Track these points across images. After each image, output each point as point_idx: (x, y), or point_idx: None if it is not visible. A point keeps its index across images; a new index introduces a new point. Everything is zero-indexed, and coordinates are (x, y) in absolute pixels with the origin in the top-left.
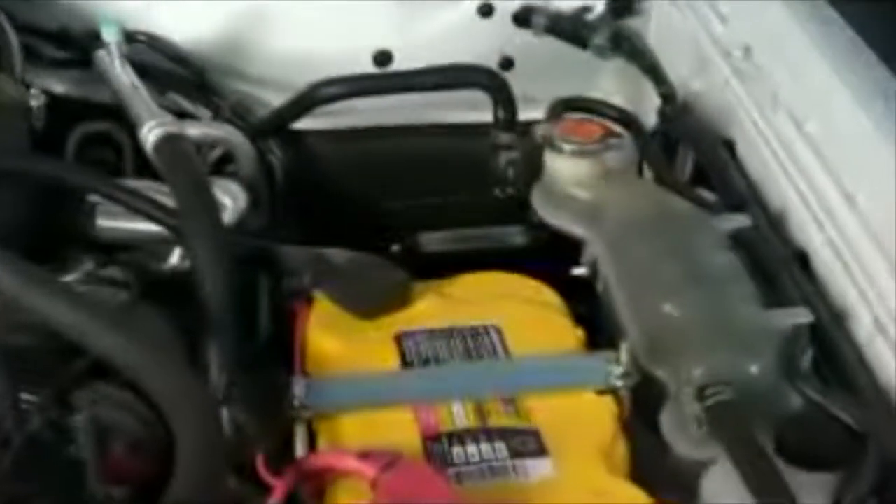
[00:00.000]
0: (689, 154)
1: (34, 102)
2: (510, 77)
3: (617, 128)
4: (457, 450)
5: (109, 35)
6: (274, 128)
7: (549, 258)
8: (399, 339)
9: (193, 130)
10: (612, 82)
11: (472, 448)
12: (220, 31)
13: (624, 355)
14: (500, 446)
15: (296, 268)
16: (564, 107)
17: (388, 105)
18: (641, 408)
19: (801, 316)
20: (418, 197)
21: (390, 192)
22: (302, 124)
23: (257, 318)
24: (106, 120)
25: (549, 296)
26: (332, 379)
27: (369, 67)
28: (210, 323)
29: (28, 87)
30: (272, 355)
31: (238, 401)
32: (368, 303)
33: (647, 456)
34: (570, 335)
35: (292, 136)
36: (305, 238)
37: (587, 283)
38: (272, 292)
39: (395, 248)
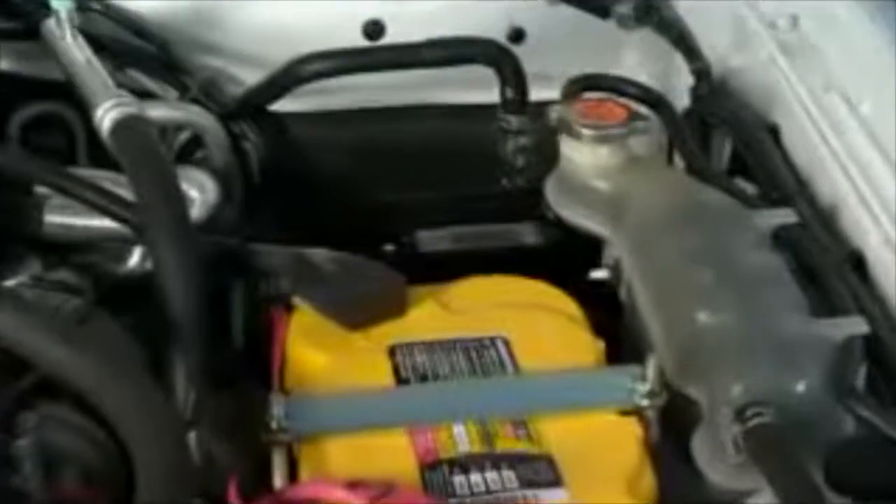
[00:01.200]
0: (726, 140)
1: None
2: (520, 51)
3: (643, 109)
4: (459, 479)
5: (59, 2)
6: (249, 109)
7: (565, 260)
8: (392, 352)
9: (156, 112)
10: (637, 57)
11: (476, 477)
12: None
13: (650, 371)
14: (509, 475)
15: (274, 270)
16: (583, 85)
17: (379, 84)
18: (671, 431)
19: (855, 326)
20: (415, 189)
21: (382, 184)
22: (281, 106)
23: (229, 328)
24: (55, 100)
25: (565, 303)
26: (316, 397)
27: (359, 40)
28: (175, 334)
29: None
30: (246, 370)
31: (207, 423)
32: (357, 311)
33: (677, 486)
34: (588, 348)
35: (270, 119)
36: (285, 236)
37: (608, 289)
38: (247, 298)
39: (389, 247)
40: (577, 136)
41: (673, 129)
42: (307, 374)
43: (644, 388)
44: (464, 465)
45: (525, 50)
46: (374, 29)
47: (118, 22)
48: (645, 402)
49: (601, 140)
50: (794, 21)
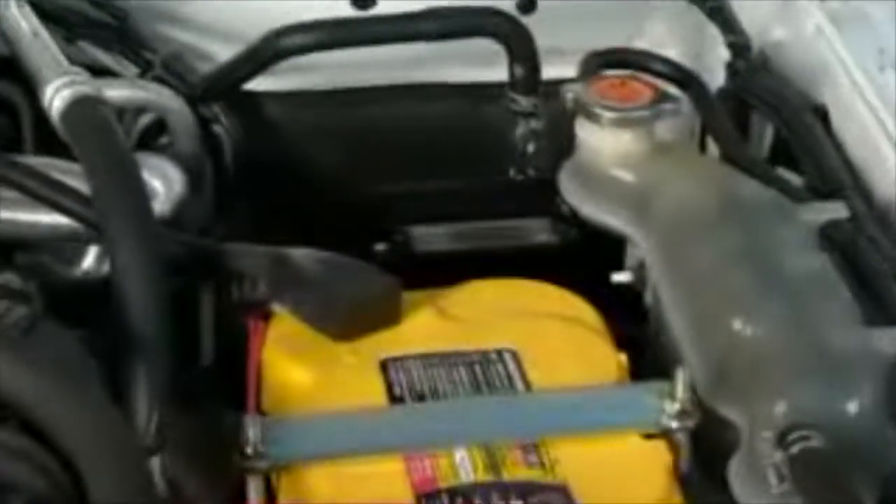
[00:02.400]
0: (768, 123)
1: None
2: (531, 23)
3: (671, 89)
4: None
5: None
6: (221, 89)
7: (582, 261)
8: (385, 367)
9: (114, 92)
10: (665, 29)
11: None
12: None
13: (680, 388)
14: None
15: (249, 273)
16: (603, 61)
17: (369, 60)
18: (704, 457)
19: None
20: (410, 180)
21: (373, 174)
22: (258, 84)
23: (198, 339)
24: None
25: (582, 310)
26: (297, 419)
27: (346, 11)
28: (136, 347)
29: None
30: (217, 388)
31: (172, 448)
32: (345, 319)
33: None
34: (609, 361)
35: (245, 99)
36: (262, 234)
37: (632, 294)
38: (218, 306)
39: (381, 246)
40: (596, 119)
41: (706, 112)
42: (287, 393)
43: (673, 407)
44: (466, 495)
45: (536, 21)
46: None
47: None
48: (674, 424)
49: (624, 124)
50: None
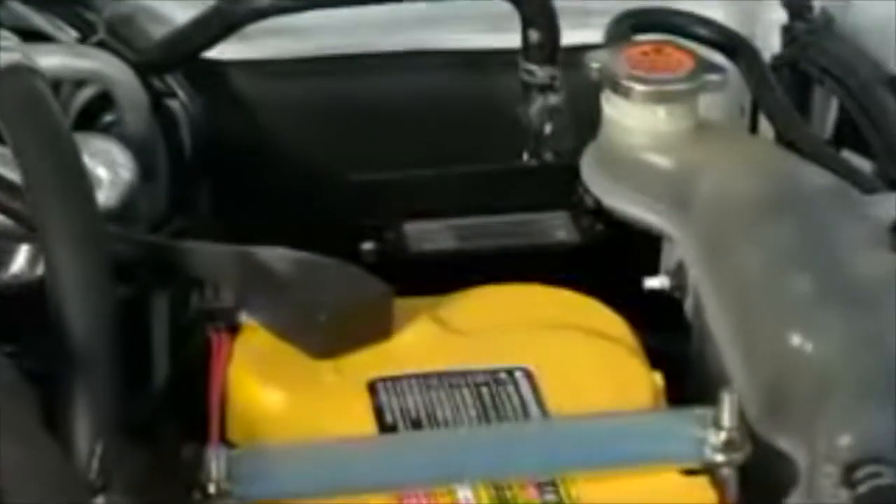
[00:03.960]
0: (832, 98)
1: None
2: None
3: (716, 57)
4: None
5: None
6: (177, 57)
7: (609, 263)
8: (374, 389)
9: (49, 60)
10: None
11: None
12: None
13: (727, 415)
14: None
15: (212, 277)
16: (634, 24)
17: (356, 23)
18: (756, 495)
19: None
20: (404, 166)
21: (360, 159)
22: (222, 52)
23: (150, 356)
24: None
25: (609, 321)
26: (269, 451)
27: None
28: (76, 366)
29: None
30: (174, 415)
31: (119, 487)
32: (326, 332)
33: None
34: (641, 383)
35: (207, 69)
36: (227, 230)
37: (669, 302)
38: (174, 316)
39: (369, 245)
40: (625, 93)
41: (758, 84)
42: (257, 420)
43: (718, 438)
44: None
45: None
46: None
47: None
48: (719, 458)
49: (659, 98)
50: None
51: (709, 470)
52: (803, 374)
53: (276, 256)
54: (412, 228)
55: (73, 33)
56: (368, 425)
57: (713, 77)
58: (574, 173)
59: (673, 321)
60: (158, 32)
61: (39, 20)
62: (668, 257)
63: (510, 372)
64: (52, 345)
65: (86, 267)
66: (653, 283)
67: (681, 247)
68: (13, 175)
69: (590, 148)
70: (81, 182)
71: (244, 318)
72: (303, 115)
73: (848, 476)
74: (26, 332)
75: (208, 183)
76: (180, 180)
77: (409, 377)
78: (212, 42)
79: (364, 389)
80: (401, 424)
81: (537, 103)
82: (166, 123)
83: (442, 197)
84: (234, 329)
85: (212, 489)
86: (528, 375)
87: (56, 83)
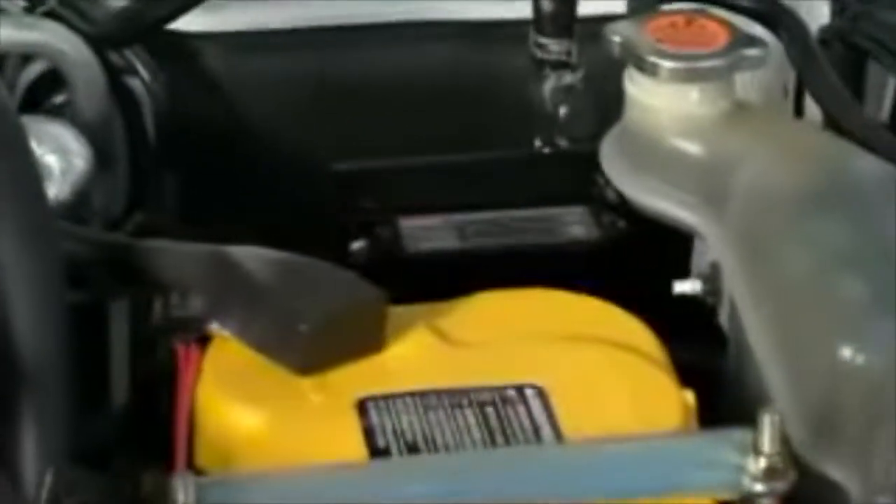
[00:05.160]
0: (888, 76)
1: None
2: None
3: (755, 28)
4: None
5: None
6: (137, 29)
7: (632, 264)
8: (364, 409)
9: None
10: None
11: None
12: None
13: (768, 438)
14: None
15: (178, 281)
16: None
17: None
18: None
19: None
20: (399, 153)
21: (347, 144)
22: (189, 23)
23: (108, 373)
24: None
25: (634, 331)
26: (243, 478)
27: None
28: (23, 383)
29: None
30: (134, 439)
31: None
32: (309, 344)
33: None
34: (670, 402)
35: (172, 43)
36: (196, 228)
37: (702, 309)
38: (135, 326)
39: (358, 245)
40: (651, 70)
41: (803, 60)
42: (230, 443)
43: (758, 465)
44: None
45: None
46: None
47: None
48: (759, 487)
49: (690, 77)
50: None
51: (747, 501)
52: (856, 391)
53: (252, 257)
54: (408, 225)
55: (20, 2)
56: (357, 450)
57: (752, 52)
58: (593, 162)
59: (706, 331)
60: (116, 1)
61: None
62: (701, 258)
63: (520, 389)
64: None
65: (34, 269)
66: (683, 287)
67: (715, 246)
68: None
69: (611, 133)
70: (28, 173)
71: (215, 328)
72: (281, 95)
73: None
74: None
75: (174, 173)
76: (142, 170)
77: (403, 395)
78: (178, 12)
79: (352, 409)
80: (394, 449)
81: (550, 82)
82: (125, 104)
83: (442, 189)
84: (203, 341)
85: None
86: (541, 394)
87: (0, 58)
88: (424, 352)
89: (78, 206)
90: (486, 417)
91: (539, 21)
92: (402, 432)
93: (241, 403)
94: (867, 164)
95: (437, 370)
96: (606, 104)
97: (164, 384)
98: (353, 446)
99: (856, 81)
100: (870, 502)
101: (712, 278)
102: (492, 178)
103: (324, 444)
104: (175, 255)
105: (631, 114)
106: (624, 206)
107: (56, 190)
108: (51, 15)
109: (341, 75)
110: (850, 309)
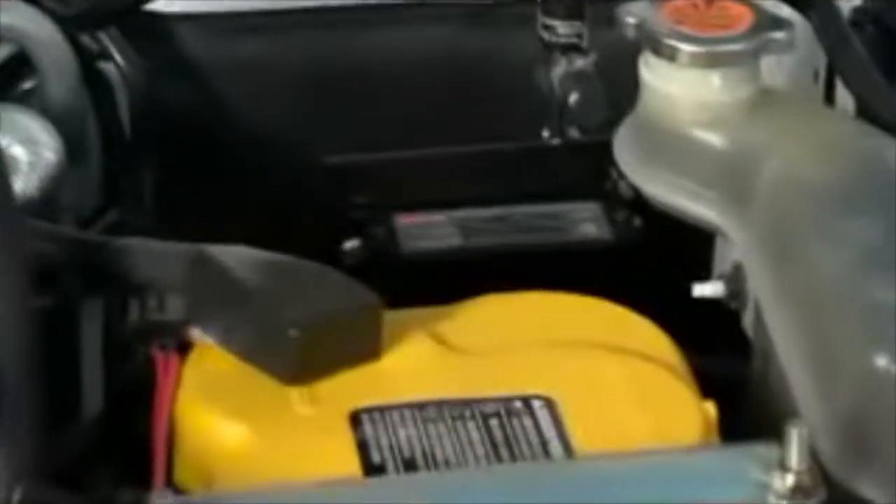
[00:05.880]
0: None
1: None
2: None
3: (782, 9)
4: None
5: None
6: (111, 10)
7: (649, 265)
8: (358, 421)
9: None
10: None
11: None
12: None
13: (795, 453)
14: None
15: (156, 283)
16: None
17: None
18: None
19: None
20: (396, 145)
21: (339, 136)
22: (168, 4)
23: (79, 382)
24: None
25: (651, 338)
26: (228, 497)
27: None
28: None
29: None
30: (109, 453)
31: None
32: (298, 352)
33: None
34: (690, 414)
35: (148, 25)
36: (175, 225)
37: (724, 314)
38: (109, 332)
39: (352, 244)
40: (669, 55)
41: (835, 44)
42: (213, 459)
43: (784, 481)
44: None
45: None
46: None
47: None
48: None
49: (711, 62)
50: None
51: None
52: (891, 403)
53: (236, 257)
54: (404, 222)
55: None
56: (350, 466)
57: (778, 35)
58: (606, 154)
59: (728, 338)
60: None
61: None
62: (723, 259)
63: (527, 401)
64: None
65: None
66: (703, 290)
67: (738, 246)
68: None
69: (625, 123)
70: None
71: (196, 333)
72: (267, 82)
73: None
74: None
75: (151, 165)
76: (116, 162)
77: (401, 407)
78: None
79: (345, 422)
80: (390, 465)
81: (560, 67)
82: (99, 92)
83: (441, 183)
84: (183, 348)
85: None
86: (549, 405)
87: None
88: (423, 360)
89: (47, 201)
90: (490, 431)
91: (547, 1)
92: (399, 447)
93: (224, 416)
94: None
95: (438, 380)
96: (620, 91)
97: (140, 394)
98: (345, 462)
99: (890, 66)
100: None
101: (735, 280)
102: (496, 171)
103: (314, 460)
104: (152, 255)
105: (647, 102)
106: (639, 202)
107: (23, 184)
108: None
109: (332, 60)
110: (885, 314)
